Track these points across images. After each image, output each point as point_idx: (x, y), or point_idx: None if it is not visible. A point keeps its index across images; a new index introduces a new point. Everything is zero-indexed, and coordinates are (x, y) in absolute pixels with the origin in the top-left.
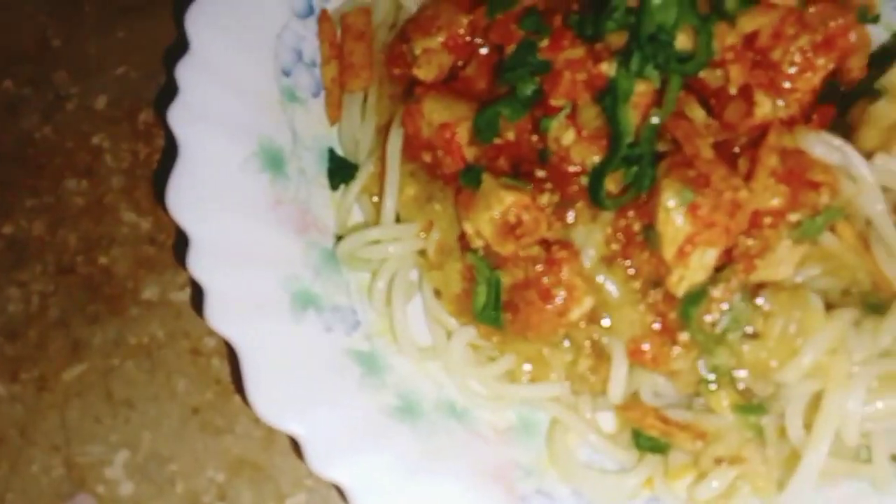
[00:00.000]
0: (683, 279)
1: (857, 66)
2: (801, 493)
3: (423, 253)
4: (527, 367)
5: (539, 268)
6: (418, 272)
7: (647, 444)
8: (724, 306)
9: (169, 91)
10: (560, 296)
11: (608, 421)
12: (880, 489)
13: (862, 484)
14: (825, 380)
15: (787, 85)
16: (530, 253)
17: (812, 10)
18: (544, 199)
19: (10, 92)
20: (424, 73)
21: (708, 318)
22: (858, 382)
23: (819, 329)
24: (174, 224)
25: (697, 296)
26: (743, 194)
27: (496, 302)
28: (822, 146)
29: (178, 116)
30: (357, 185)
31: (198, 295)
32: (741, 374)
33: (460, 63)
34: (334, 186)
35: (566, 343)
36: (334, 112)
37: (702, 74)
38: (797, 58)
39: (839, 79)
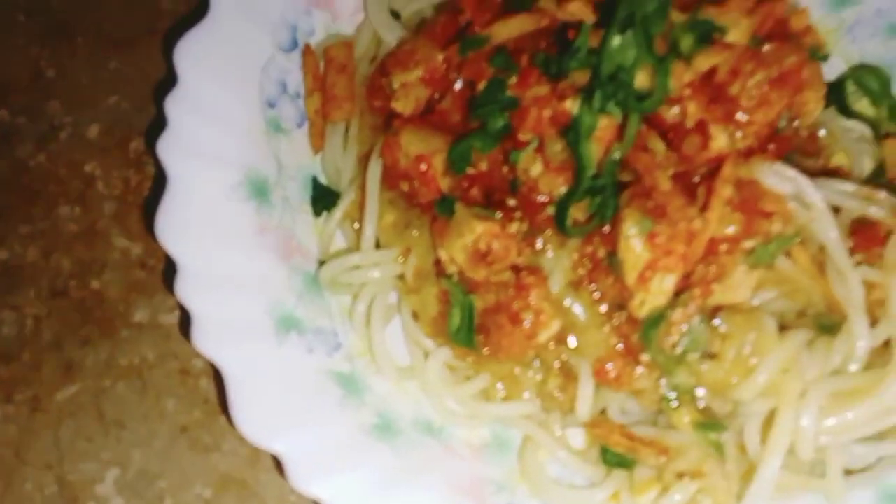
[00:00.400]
0: (644, 303)
1: (812, 100)
2: None
3: (401, 277)
4: (500, 386)
5: (509, 293)
6: (397, 296)
7: (613, 459)
8: (684, 328)
9: (159, 121)
10: (528, 320)
11: (578, 437)
12: (834, 503)
13: (817, 497)
14: (779, 398)
15: (744, 118)
16: (502, 278)
17: (767, 48)
18: (514, 227)
19: (5, 121)
20: (402, 105)
21: (668, 340)
22: (811, 400)
23: (773, 349)
24: (164, 250)
25: (657, 319)
26: (697, 224)
27: (469, 324)
28: (775, 176)
29: (167, 148)
30: (339, 212)
31: (186, 318)
32: (701, 392)
33: (437, 97)
34: (317, 213)
35: (537, 363)
36: (318, 142)
37: (660, 110)
38: (754, 93)
39: (795, 112)
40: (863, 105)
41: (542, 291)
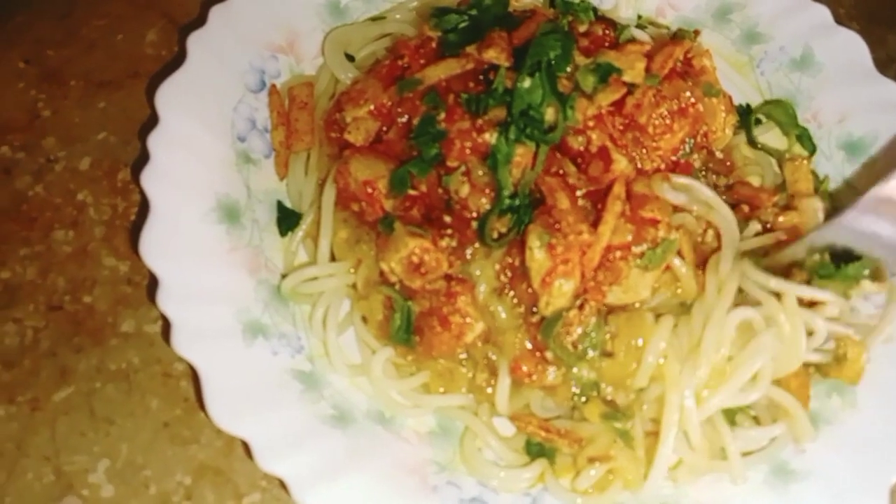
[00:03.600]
0: (549, 304)
1: (719, 129)
2: (657, 484)
3: (353, 286)
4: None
5: (441, 299)
6: (350, 302)
7: (535, 448)
8: (580, 329)
9: (143, 155)
10: (456, 323)
11: (510, 427)
12: (737, 482)
13: (722, 477)
14: (664, 382)
15: (652, 143)
16: (436, 286)
17: (667, 85)
18: (445, 242)
19: (5, 157)
20: (354, 137)
21: (568, 338)
22: (685, 380)
23: (653, 336)
24: (147, 267)
25: (555, 317)
26: (585, 237)
27: (407, 326)
28: (670, 189)
29: (149, 179)
30: (301, 230)
31: (167, 327)
32: (609, 389)
33: (385, 128)
34: (283, 233)
35: (468, 360)
36: (282, 170)
37: (568, 139)
38: (657, 122)
39: (709, 138)
40: (774, 134)
41: (469, 297)
